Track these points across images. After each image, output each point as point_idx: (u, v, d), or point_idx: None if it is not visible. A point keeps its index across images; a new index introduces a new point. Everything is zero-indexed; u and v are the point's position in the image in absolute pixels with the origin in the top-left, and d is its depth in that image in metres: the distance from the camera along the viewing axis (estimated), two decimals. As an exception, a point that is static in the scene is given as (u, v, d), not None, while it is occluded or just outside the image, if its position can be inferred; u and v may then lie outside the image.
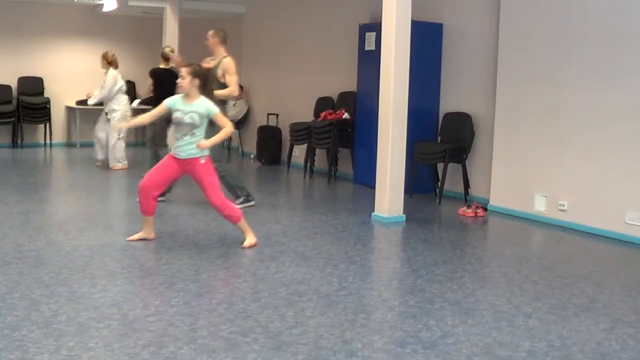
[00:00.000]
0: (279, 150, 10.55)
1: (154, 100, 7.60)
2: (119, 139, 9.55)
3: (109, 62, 9.60)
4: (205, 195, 5.21)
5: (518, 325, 3.76)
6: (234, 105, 11.74)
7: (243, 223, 5.32)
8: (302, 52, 10.40)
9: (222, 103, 6.32)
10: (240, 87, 11.88)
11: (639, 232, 5.83)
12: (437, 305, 4.07)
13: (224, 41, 6.87)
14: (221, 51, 6.81)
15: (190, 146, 5.09)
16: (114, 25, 12.51)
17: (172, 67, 8.04)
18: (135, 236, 5.39)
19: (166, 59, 8.31)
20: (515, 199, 6.93)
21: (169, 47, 8.74)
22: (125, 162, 9.61)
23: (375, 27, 7.66)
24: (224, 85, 6.64)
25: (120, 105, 9.69)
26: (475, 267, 5.02)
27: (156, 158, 7.20)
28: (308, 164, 9.21)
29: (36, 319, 3.61)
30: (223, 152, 6.72)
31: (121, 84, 9.71)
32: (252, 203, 6.88)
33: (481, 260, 5.23)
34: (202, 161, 5.14)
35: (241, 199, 6.84)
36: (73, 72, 12.37)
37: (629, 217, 5.87)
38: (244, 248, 5.23)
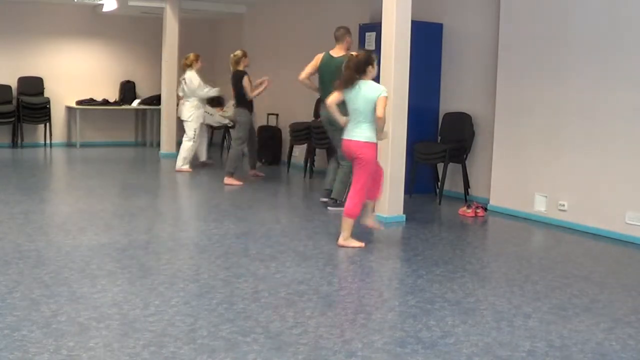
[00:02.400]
0: (279, 150, 10.55)
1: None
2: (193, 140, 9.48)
3: (189, 64, 9.54)
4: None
5: (518, 325, 3.76)
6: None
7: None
8: (302, 52, 10.38)
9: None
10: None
11: (639, 232, 5.83)
12: (437, 305, 4.07)
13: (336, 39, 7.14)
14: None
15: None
16: (114, 25, 12.51)
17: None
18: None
19: (237, 62, 8.55)
20: (515, 199, 6.93)
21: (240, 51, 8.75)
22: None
23: (375, 27, 7.65)
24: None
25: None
26: (475, 267, 5.02)
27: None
28: (308, 164, 9.21)
29: (36, 319, 3.61)
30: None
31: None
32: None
33: (481, 260, 5.23)
34: None
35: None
36: (73, 72, 12.38)
37: (629, 217, 5.87)
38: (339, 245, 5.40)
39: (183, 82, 9.53)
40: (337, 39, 7.08)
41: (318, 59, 7.09)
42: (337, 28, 7.16)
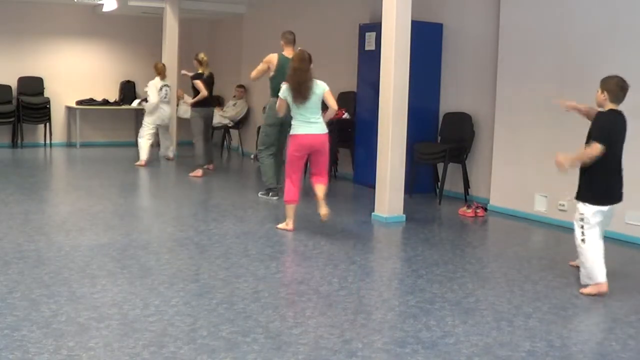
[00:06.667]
0: (279, 150, 10.52)
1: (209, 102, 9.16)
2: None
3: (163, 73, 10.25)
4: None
5: (518, 325, 3.76)
6: (234, 105, 11.75)
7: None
8: (302, 52, 10.37)
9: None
10: (242, 86, 11.92)
11: (639, 232, 5.83)
12: (437, 305, 4.07)
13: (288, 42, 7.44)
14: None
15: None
16: (114, 25, 12.51)
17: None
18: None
19: (201, 63, 9.07)
20: (515, 199, 6.93)
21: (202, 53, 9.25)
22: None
23: (375, 27, 7.66)
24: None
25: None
26: (475, 267, 5.02)
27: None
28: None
29: (36, 319, 3.61)
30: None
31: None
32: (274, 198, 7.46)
33: (481, 260, 5.23)
34: None
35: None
36: (73, 72, 12.38)
37: (628, 217, 5.87)
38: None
39: (168, 89, 10.21)
40: (290, 42, 7.40)
41: (274, 58, 7.39)
42: (289, 32, 7.49)
